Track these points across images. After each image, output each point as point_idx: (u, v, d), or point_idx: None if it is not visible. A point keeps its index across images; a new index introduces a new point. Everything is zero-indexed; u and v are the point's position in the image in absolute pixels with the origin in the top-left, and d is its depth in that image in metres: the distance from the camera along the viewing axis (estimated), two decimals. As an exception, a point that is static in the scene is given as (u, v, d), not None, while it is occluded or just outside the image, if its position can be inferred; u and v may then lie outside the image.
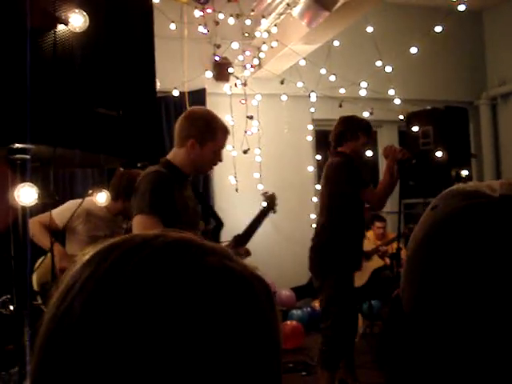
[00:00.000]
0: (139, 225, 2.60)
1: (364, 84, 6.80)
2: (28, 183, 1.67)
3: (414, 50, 6.54)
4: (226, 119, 6.87)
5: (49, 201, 1.79)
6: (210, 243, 0.65)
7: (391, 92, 6.81)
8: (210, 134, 2.87)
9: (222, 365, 0.57)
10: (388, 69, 6.61)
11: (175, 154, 2.88)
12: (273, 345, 0.63)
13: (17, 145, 1.58)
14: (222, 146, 2.98)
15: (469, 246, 0.68)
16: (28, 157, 1.62)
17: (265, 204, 3.77)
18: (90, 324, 0.56)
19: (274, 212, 3.77)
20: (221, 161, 3.05)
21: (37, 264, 3.42)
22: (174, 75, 6.26)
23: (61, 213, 3.59)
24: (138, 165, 2.10)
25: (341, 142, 4.19)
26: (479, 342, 0.66)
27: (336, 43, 6.77)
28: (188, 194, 2.87)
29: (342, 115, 4.40)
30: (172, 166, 2.82)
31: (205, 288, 0.58)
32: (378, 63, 6.65)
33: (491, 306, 0.65)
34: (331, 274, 4.00)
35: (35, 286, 3.48)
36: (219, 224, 3.13)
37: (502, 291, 0.65)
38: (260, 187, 7.03)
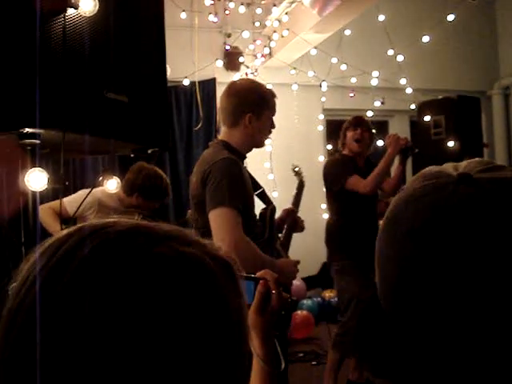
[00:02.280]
0: (220, 218, 2.37)
1: (375, 73, 6.75)
2: (38, 168, 1.67)
3: (426, 38, 6.48)
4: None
5: (58, 186, 1.79)
6: (165, 228, 0.63)
7: (403, 81, 6.76)
8: (265, 103, 2.71)
9: (178, 355, 0.56)
10: (400, 58, 6.55)
11: (230, 135, 2.66)
12: (235, 327, 0.62)
13: (26, 129, 1.57)
14: (275, 110, 2.82)
15: (421, 227, 0.66)
16: (38, 141, 1.61)
17: (297, 181, 3.87)
18: (41, 316, 0.55)
19: (304, 186, 3.86)
20: (274, 127, 2.86)
21: None
22: (184, 64, 6.23)
23: (73, 201, 3.59)
24: (149, 151, 2.09)
25: (343, 146, 4.46)
26: (455, 326, 0.64)
27: (347, 32, 6.73)
28: (248, 176, 2.66)
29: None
30: (233, 149, 2.62)
31: (153, 278, 0.57)
32: (390, 52, 6.59)
33: (450, 283, 0.64)
34: (334, 264, 4.20)
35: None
36: (273, 206, 3.04)
37: (456, 269, 0.63)
38: (270, 177, 7.01)
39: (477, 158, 0.75)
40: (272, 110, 2.76)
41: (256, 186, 2.86)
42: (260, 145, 2.84)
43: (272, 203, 2.98)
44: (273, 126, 2.82)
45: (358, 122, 4.40)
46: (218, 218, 2.37)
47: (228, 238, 2.30)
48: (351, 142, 4.32)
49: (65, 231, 0.63)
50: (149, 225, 0.64)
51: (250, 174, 2.72)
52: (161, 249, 0.59)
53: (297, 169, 4.13)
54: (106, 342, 0.54)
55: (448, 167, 0.72)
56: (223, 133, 2.71)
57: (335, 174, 4.21)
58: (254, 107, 2.65)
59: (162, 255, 0.59)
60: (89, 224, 0.63)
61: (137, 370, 0.54)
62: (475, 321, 0.63)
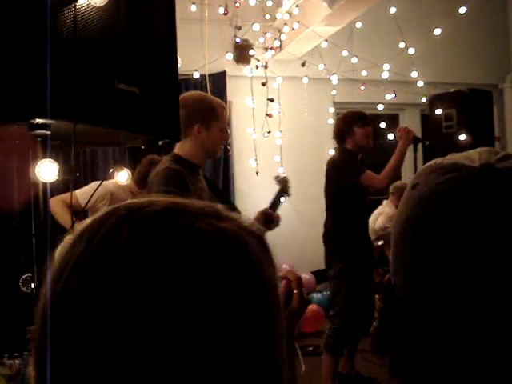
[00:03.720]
0: None
1: (386, 66, 6.71)
2: (49, 159, 1.66)
3: (437, 31, 6.44)
4: (247, 102, 6.84)
5: (69, 177, 1.78)
6: (199, 205, 0.63)
7: (414, 74, 6.71)
8: (213, 114, 2.79)
9: (218, 329, 0.56)
10: (411, 51, 6.51)
11: (182, 146, 2.77)
12: (271, 302, 0.62)
13: (37, 120, 1.56)
14: (226, 122, 2.91)
15: (454, 223, 0.65)
16: (48, 132, 1.60)
17: (278, 188, 3.78)
18: (87, 300, 0.55)
19: (289, 195, 3.77)
20: (227, 139, 2.99)
21: (63, 242, 3.43)
22: (194, 57, 6.22)
23: (84, 193, 3.60)
24: (160, 143, 2.08)
25: (343, 140, 4.36)
26: (473, 321, 0.63)
27: (358, 25, 6.69)
28: (202, 186, 2.79)
29: (339, 113, 4.61)
30: (182, 160, 2.73)
31: (197, 255, 0.57)
32: (401, 45, 6.54)
33: (481, 282, 0.62)
34: (337, 263, 4.14)
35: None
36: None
37: (491, 265, 0.62)
38: (280, 170, 7.00)
39: (484, 148, 0.73)
40: (221, 121, 2.83)
41: (221, 196, 3.03)
42: (213, 155, 2.96)
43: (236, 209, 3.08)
44: (225, 137, 2.92)
45: (368, 119, 4.38)
46: None
47: None
48: (363, 139, 4.28)
49: (98, 214, 0.63)
50: (184, 202, 0.64)
51: (213, 185, 2.92)
52: (200, 225, 0.59)
53: (281, 177, 4.07)
54: (157, 319, 0.54)
55: (460, 158, 0.71)
56: (176, 145, 2.81)
57: (349, 169, 4.17)
58: (202, 118, 2.76)
59: (202, 232, 0.59)
60: (124, 205, 0.63)
61: (188, 345, 0.54)
62: (498, 311, 0.62)
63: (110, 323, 0.54)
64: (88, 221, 0.62)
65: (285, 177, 3.98)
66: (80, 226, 0.62)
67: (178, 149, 2.79)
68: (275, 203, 3.60)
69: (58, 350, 0.56)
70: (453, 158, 0.72)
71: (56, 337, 0.56)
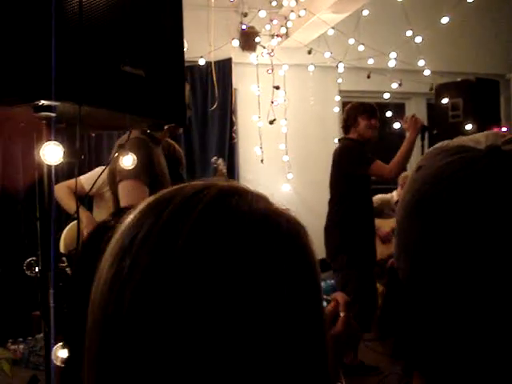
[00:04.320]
0: (127, 190, 2.68)
1: (393, 55, 6.68)
2: (53, 142, 1.65)
3: (445, 19, 6.38)
4: (252, 89, 6.82)
5: (74, 159, 1.77)
6: (246, 188, 0.67)
7: (421, 63, 6.67)
8: None
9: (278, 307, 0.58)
10: (418, 39, 6.47)
11: None
12: (319, 282, 0.65)
13: (42, 101, 1.55)
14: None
15: (459, 205, 0.64)
16: (53, 114, 1.59)
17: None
18: (162, 274, 0.56)
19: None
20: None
21: (67, 227, 3.42)
22: (200, 44, 6.20)
23: (89, 178, 3.60)
24: (165, 127, 2.07)
25: (348, 130, 4.37)
26: (476, 303, 0.62)
27: (365, 12, 6.63)
28: (162, 162, 2.93)
29: (343, 101, 4.64)
30: (149, 133, 2.81)
31: (265, 235, 0.60)
32: (408, 33, 6.50)
33: (486, 264, 0.61)
34: (339, 255, 4.14)
35: (62, 249, 3.49)
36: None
37: (496, 247, 0.61)
38: (285, 158, 6.99)
39: (490, 131, 0.72)
40: None
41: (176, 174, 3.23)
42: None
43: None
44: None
45: (374, 111, 4.36)
46: (122, 190, 2.69)
47: None
48: (367, 130, 4.26)
49: (159, 193, 0.65)
50: (239, 185, 0.67)
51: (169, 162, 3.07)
52: (259, 206, 0.63)
53: (218, 161, 4.22)
54: (229, 294, 0.56)
55: (466, 141, 0.70)
56: None
57: (359, 159, 4.15)
58: None
59: (262, 213, 0.63)
60: (184, 186, 0.66)
61: (253, 321, 0.56)
62: (502, 294, 0.62)
63: (190, 293, 0.55)
64: (149, 200, 0.65)
65: (219, 161, 4.13)
66: (140, 205, 0.65)
67: None
68: None
69: (126, 331, 0.56)
70: (459, 140, 0.72)
71: (124, 316, 0.57)
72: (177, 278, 0.56)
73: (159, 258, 0.57)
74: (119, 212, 1.15)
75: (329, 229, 4.29)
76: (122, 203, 2.68)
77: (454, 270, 0.63)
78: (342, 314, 1.16)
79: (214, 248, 0.57)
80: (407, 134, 4.20)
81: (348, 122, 4.36)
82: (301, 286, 0.61)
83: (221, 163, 4.26)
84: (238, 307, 0.55)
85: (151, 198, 0.65)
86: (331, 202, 4.34)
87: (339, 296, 1.19)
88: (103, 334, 0.59)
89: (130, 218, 0.63)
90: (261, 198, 0.65)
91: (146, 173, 2.69)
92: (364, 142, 4.29)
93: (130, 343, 0.56)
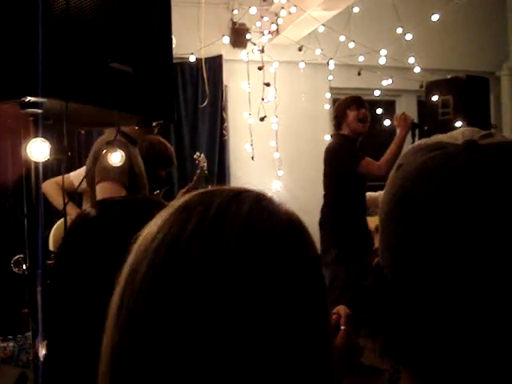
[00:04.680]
0: (105, 190, 2.72)
1: (383, 52, 6.68)
2: (40, 138, 1.64)
3: (435, 17, 6.39)
4: (243, 86, 6.81)
5: (61, 156, 1.76)
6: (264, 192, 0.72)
7: (411, 60, 6.68)
8: None
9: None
10: (408, 36, 6.48)
11: None
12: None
13: (29, 98, 1.54)
14: None
15: (439, 199, 0.65)
16: (40, 111, 1.58)
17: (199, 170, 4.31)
18: (213, 265, 0.59)
19: (208, 178, 4.31)
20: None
21: (56, 225, 3.41)
22: (190, 41, 6.18)
23: (79, 175, 3.58)
24: (153, 124, 2.06)
25: (339, 126, 4.37)
26: (459, 299, 0.63)
27: (356, 9, 6.63)
28: (140, 162, 3.01)
29: (334, 99, 4.65)
30: (125, 134, 2.87)
31: (288, 237, 0.65)
32: (399, 30, 6.51)
33: (467, 257, 0.62)
34: (332, 249, 4.15)
35: (51, 246, 3.48)
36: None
37: (477, 241, 0.62)
38: (276, 155, 6.99)
39: (468, 127, 0.74)
40: None
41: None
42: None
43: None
44: None
45: (361, 101, 4.35)
46: (101, 191, 2.74)
47: None
48: (355, 122, 4.25)
49: (194, 193, 0.69)
50: (262, 192, 0.71)
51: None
52: (283, 210, 0.68)
53: (200, 158, 4.37)
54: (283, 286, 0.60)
55: (444, 137, 0.72)
56: None
57: (346, 157, 4.14)
58: None
59: (287, 215, 0.68)
60: (218, 188, 0.69)
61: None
62: (485, 289, 0.62)
63: (235, 289, 0.58)
64: (187, 197, 0.67)
65: (201, 158, 4.25)
66: (178, 201, 0.68)
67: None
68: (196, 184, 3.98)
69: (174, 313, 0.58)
70: (437, 138, 0.73)
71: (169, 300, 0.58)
72: (228, 271, 0.58)
73: (211, 248, 0.59)
74: (99, 203, 1.14)
75: (321, 224, 4.30)
76: None
77: (438, 265, 0.64)
78: (342, 328, 1.17)
79: (261, 249, 0.61)
80: (397, 132, 4.20)
81: (338, 118, 4.36)
82: (313, 287, 0.65)
83: (202, 159, 4.35)
84: (270, 306, 0.59)
85: (186, 198, 0.67)
86: (324, 198, 4.37)
87: (341, 309, 1.21)
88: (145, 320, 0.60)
89: (167, 214, 0.66)
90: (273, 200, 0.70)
91: (125, 175, 2.75)
92: (355, 138, 4.28)
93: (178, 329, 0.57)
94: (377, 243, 0.77)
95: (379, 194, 6.19)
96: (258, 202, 0.66)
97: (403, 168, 0.71)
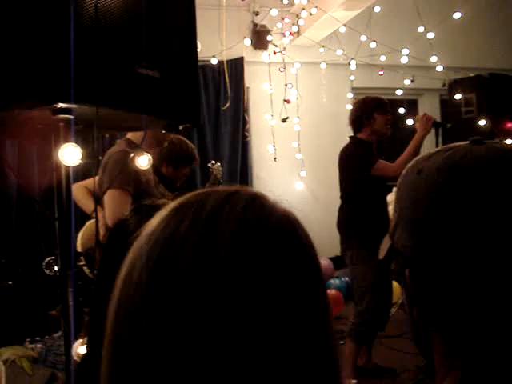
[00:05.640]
0: (112, 198, 2.88)
1: (405, 51, 6.66)
2: (72, 143, 1.68)
3: (457, 15, 6.37)
4: (265, 88, 6.83)
5: (92, 161, 1.80)
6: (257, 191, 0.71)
7: (433, 59, 6.65)
8: None
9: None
10: (430, 35, 6.46)
11: (135, 133, 3.09)
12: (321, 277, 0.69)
13: (60, 104, 1.58)
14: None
15: (463, 192, 0.74)
16: (72, 117, 1.62)
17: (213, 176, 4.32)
18: (207, 267, 0.59)
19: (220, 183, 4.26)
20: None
21: (84, 226, 3.46)
22: (212, 43, 6.22)
23: None
24: (180, 127, 2.09)
25: (359, 128, 4.24)
26: (481, 270, 0.72)
27: (377, 9, 6.63)
28: (150, 170, 3.10)
29: (357, 99, 4.50)
30: (134, 144, 3.00)
31: (284, 232, 0.65)
32: (420, 29, 6.49)
33: (490, 248, 0.71)
34: (348, 251, 4.13)
35: (79, 248, 3.53)
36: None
37: (498, 231, 0.71)
38: (298, 156, 7.00)
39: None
40: None
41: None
42: (161, 145, 3.41)
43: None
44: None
45: (388, 106, 4.29)
46: (107, 198, 2.88)
47: (111, 215, 2.81)
48: (383, 126, 4.19)
49: (188, 195, 0.68)
50: (257, 192, 0.70)
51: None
52: (279, 209, 0.68)
53: (214, 166, 4.38)
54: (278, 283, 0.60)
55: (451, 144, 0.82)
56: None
57: (359, 163, 4.09)
58: None
59: (283, 213, 0.67)
60: (211, 189, 0.68)
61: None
62: (486, 265, 0.72)
63: (229, 290, 0.58)
64: (183, 198, 0.67)
65: (217, 166, 4.26)
66: (170, 204, 0.67)
67: (130, 135, 3.16)
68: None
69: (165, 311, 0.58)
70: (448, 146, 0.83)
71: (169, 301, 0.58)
72: (216, 271, 0.58)
73: (202, 253, 0.59)
74: (139, 209, 1.17)
75: (339, 225, 4.30)
76: (106, 211, 2.89)
77: (461, 243, 0.73)
78: None
79: (255, 248, 0.60)
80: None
81: (361, 119, 4.22)
82: (310, 286, 0.65)
83: (216, 168, 4.33)
84: (268, 304, 0.58)
85: (183, 198, 0.67)
86: (341, 199, 4.33)
87: None
88: (136, 322, 0.60)
89: (159, 217, 0.65)
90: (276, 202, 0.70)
91: (132, 184, 2.90)
92: (371, 142, 4.20)
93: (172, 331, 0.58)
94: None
95: None
96: (253, 201, 0.65)
97: (424, 172, 0.80)
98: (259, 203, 0.66)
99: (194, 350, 0.56)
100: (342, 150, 4.31)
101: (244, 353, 0.56)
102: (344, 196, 4.28)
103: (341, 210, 4.31)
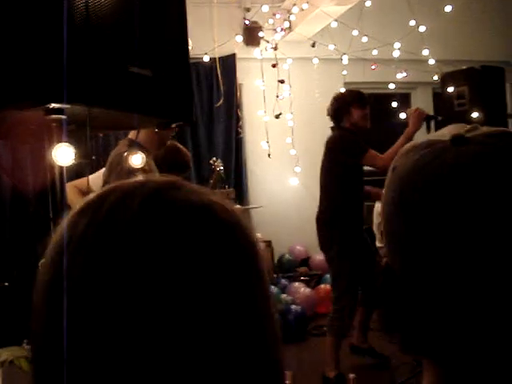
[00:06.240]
0: None
1: (397, 45, 6.67)
2: (65, 143, 1.68)
3: (448, 8, 6.38)
4: (257, 84, 6.83)
5: (85, 160, 1.80)
6: (188, 182, 0.66)
7: (425, 52, 6.66)
8: None
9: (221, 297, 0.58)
10: (422, 28, 6.46)
11: (138, 133, 3.10)
12: (260, 275, 0.64)
13: (53, 105, 1.58)
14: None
15: (435, 194, 0.68)
16: (64, 117, 1.62)
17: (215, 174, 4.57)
18: (98, 273, 0.55)
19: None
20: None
21: None
22: (203, 41, 6.21)
23: (96, 177, 3.62)
24: (173, 125, 2.09)
25: (340, 119, 4.29)
26: (468, 289, 0.66)
27: (368, 3, 6.63)
28: (154, 169, 3.12)
29: (335, 93, 4.56)
30: (138, 144, 2.97)
31: (198, 225, 0.60)
32: (412, 23, 6.50)
33: (471, 248, 0.66)
34: (332, 247, 4.13)
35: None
36: None
37: (478, 230, 0.65)
38: (292, 152, 7.01)
39: (454, 124, 0.77)
40: None
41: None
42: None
43: None
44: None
45: (366, 100, 4.32)
46: None
47: None
48: (361, 119, 4.22)
49: (96, 193, 0.63)
50: (176, 178, 0.66)
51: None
52: (195, 197, 0.62)
53: (216, 163, 4.44)
54: (176, 284, 0.56)
55: (433, 136, 0.75)
56: (130, 132, 3.21)
57: (353, 148, 4.11)
58: None
59: (198, 204, 0.62)
60: (123, 183, 0.64)
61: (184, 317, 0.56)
62: (484, 275, 0.66)
63: (132, 288, 0.54)
64: (89, 197, 0.63)
65: (218, 163, 4.34)
66: (81, 202, 0.62)
67: (132, 135, 3.14)
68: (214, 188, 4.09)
69: (66, 335, 0.55)
70: (426, 137, 0.76)
71: (60, 313, 0.55)
72: (113, 276, 0.55)
73: (95, 257, 0.56)
74: None
75: (320, 219, 4.27)
76: None
77: (442, 258, 0.67)
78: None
79: (150, 243, 0.56)
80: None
81: (339, 112, 4.29)
82: (238, 275, 0.60)
83: (218, 164, 4.41)
84: (173, 297, 0.55)
85: (89, 197, 0.63)
86: (322, 192, 4.31)
87: None
88: (44, 329, 0.59)
89: (68, 217, 0.62)
90: (200, 191, 0.64)
91: None
92: (356, 131, 4.24)
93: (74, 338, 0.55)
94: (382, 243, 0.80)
95: None
96: (157, 193, 0.61)
97: (398, 169, 0.75)
98: (163, 195, 0.61)
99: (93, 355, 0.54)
100: (332, 137, 4.32)
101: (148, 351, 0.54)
102: (327, 187, 4.27)
103: (322, 204, 4.29)
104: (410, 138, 3.99)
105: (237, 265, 0.61)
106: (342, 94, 4.50)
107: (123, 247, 0.56)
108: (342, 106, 4.27)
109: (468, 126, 0.74)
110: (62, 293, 0.56)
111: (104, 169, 4.02)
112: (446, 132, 0.73)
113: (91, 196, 0.63)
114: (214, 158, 4.46)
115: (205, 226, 0.60)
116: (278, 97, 6.72)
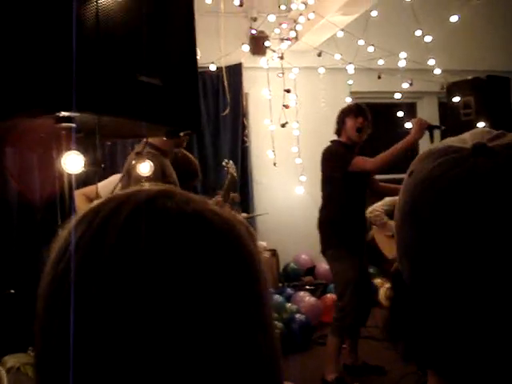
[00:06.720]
0: None
1: (403, 54, 6.68)
2: (74, 151, 1.69)
3: (454, 18, 6.37)
4: (263, 93, 6.85)
5: (95, 168, 1.82)
6: (184, 192, 0.67)
7: (431, 62, 6.66)
8: None
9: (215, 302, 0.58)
10: (428, 38, 6.46)
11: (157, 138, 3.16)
12: (262, 286, 0.65)
13: (63, 113, 1.59)
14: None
15: (451, 205, 0.66)
16: (74, 125, 1.64)
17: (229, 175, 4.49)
18: (90, 278, 0.56)
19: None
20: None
21: None
22: (210, 50, 6.23)
23: (105, 186, 3.63)
24: (181, 134, 2.10)
25: (339, 132, 4.42)
26: (478, 300, 0.65)
27: (374, 13, 6.64)
28: (173, 172, 3.22)
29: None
30: (155, 146, 3.10)
31: (190, 234, 0.60)
32: (418, 33, 6.50)
33: (482, 260, 0.64)
34: (328, 251, 4.24)
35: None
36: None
37: (490, 242, 0.63)
38: (298, 161, 7.01)
39: (479, 128, 0.75)
40: None
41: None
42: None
43: None
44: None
45: (360, 110, 4.34)
46: None
47: None
48: (352, 130, 4.27)
49: (95, 202, 0.65)
50: (173, 188, 0.67)
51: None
52: (188, 206, 0.62)
53: (229, 165, 4.47)
54: (165, 292, 0.56)
55: (452, 141, 0.72)
56: None
57: (337, 161, 4.19)
58: None
59: (191, 212, 0.62)
60: (122, 192, 0.65)
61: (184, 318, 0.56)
62: (491, 286, 0.64)
63: (118, 296, 0.55)
64: (91, 205, 0.64)
65: (230, 164, 4.36)
66: (83, 210, 0.64)
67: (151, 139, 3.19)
68: (228, 190, 4.09)
69: (62, 331, 0.56)
70: (446, 141, 0.73)
71: (60, 317, 0.57)
72: (103, 283, 0.56)
73: (88, 264, 0.57)
74: None
75: (320, 225, 4.37)
76: None
77: (453, 268, 0.66)
78: None
79: (140, 250, 0.57)
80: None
81: (338, 125, 4.42)
82: (230, 282, 0.60)
83: (231, 166, 4.43)
84: (166, 304, 0.56)
85: (91, 205, 0.65)
86: (322, 200, 4.41)
87: None
88: (45, 333, 0.60)
89: (69, 225, 0.63)
90: (193, 199, 0.65)
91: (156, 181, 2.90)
92: (351, 145, 4.30)
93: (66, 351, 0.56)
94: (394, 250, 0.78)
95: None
96: (146, 203, 0.61)
97: (414, 175, 0.72)
98: (155, 204, 0.61)
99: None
100: (323, 151, 4.43)
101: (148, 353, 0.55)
102: (325, 196, 4.36)
103: (322, 209, 4.39)
104: (408, 146, 4.01)
105: (229, 272, 0.60)
106: (342, 108, 4.60)
107: (114, 254, 0.57)
108: (340, 119, 4.40)
109: (494, 133, 0.71)
110: (58, 299, 0.58)
111: (113, 176, 4.04)
112: (468, 138, 0.71)
113: (93, 204, 0.64)
114: (226, 160, 4.48)
115: (196, 234, 0.60)
116: (284, 106, 6.73)
